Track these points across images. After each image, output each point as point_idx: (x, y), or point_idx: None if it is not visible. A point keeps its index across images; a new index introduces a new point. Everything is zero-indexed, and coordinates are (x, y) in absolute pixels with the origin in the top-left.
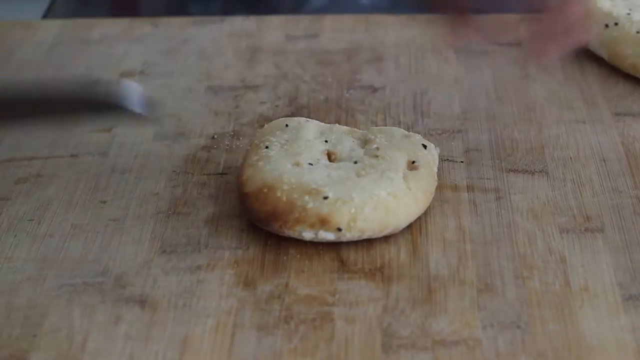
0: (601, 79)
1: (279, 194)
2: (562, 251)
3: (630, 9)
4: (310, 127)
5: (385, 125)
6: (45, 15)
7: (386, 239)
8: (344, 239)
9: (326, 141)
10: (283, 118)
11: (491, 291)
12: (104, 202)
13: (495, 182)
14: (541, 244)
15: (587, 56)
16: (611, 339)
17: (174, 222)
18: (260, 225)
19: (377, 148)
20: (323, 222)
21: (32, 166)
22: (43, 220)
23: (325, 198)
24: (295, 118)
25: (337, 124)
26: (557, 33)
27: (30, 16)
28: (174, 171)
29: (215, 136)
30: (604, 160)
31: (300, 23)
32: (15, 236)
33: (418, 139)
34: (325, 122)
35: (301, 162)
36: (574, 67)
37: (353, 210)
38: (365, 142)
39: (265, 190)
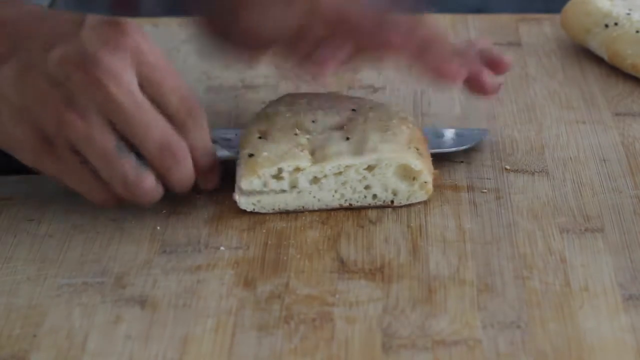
0: (601, 79)
1: None
2: (562, 251)
3: (630, 9)
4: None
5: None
6: None
7: (386, 238)
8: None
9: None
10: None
11: (491, 291)
12: None
13: (495, 182)
14: (541, 244)
15: (587, 56)
16: (611, 339)
17: (174, 222)
18: None
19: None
20: None
21: None
22: (43, 220)
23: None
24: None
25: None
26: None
27: None
28: None
29: None
30: (604, 160)
31: None
32: (15, 236)
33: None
34: None
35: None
36: (574, 67)
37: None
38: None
39: None
